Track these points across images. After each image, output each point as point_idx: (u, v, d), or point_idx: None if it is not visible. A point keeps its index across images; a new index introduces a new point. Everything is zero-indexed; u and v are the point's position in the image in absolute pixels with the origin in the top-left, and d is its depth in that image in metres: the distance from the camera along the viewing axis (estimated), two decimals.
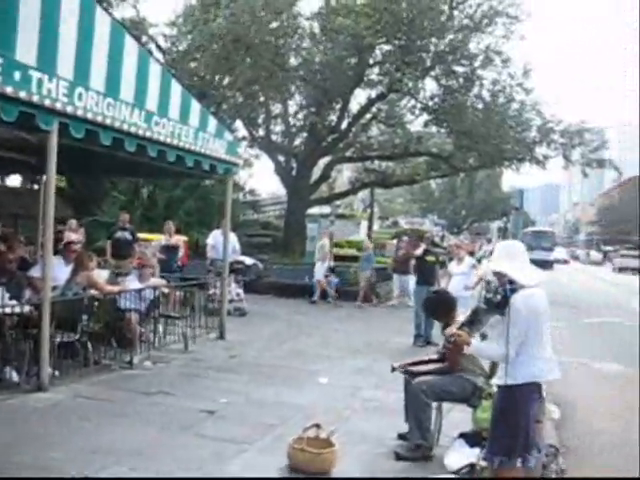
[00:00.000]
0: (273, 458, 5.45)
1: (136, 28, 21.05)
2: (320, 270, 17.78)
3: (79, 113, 6.91)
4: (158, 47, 23.00)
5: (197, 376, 8.45)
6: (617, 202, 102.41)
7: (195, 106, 9.46)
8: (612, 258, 63.05)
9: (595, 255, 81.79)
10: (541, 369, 4.19)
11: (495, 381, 4.47)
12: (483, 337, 4.88)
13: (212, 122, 9.94)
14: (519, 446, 4.11)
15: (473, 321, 4.54)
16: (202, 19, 19.56)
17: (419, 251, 12.82)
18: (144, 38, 21.90)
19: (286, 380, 8.47)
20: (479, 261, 16.48)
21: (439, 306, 6.21)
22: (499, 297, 4.23)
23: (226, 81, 21.38)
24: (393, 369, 6.29)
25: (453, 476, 5.18)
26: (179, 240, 14.97)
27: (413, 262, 17.18)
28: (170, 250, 14.38)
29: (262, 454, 5.65)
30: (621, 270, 54.85)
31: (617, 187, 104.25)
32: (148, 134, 8.19)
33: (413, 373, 6.04)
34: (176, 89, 9.00)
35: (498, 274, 4.34)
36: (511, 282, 4.23)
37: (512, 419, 4.14)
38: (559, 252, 67.24)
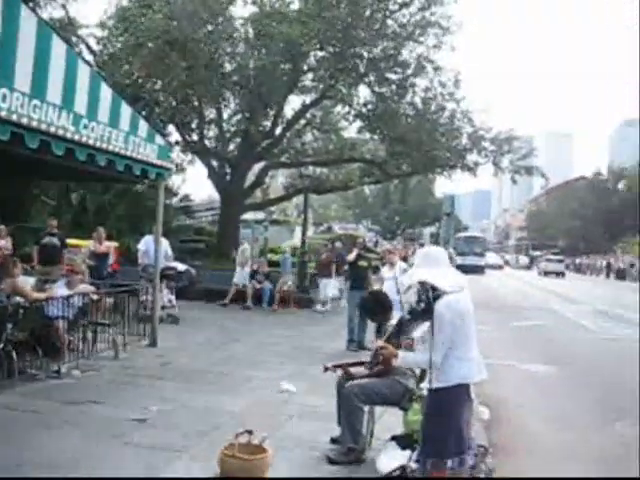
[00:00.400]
0: (204, 465, 5.38)
1: (65, 29, 20.54)
2: (240, 275, 17.65)
3: (3, 114, 6.68)
4: (89, 48, 22.52)
5: (128, 384, 8.29)
6: (545, 208, 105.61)
7: (126, 109, 9.28)
8: (538, 262, 65.52)
9: (523, 260, 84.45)
10: (469, 370, 4.26)
11: (424, 385, 4.52)
12: (407, 348, 4.95)
13: (143, 126, 9.77)
14: (450, 448, 4.17)
15: (399, 332, 4.59)
16: (137, 20, 19.27)
17: (352, 256, 12.91)
18: (74, 39, 21.40)
19: (219, 386, 8.40)
20: (412, 266, 16.69)
21: (375, 306, 6.23)
22: (423, 305, 4.25)
23: (159, 85, 21.08)
24: (326, 369, 6.30)
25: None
26: (109, 247, 14.67)
27: (334, 267, 17.43)
28: (100, 257, 14.10)
29: (194, 462, 5.57)
30: (546, 274, 57.71)
31: (544, 194, 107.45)
32: (76, 137, 7.99)
33: (347, 373, 6.07)
34: (106, 92, 8.80)
35: (422, 282, 4.34)
36: (434, 289, 4.26)
37: (443, 422, 4.20)
38: (492, 257, 69.51)
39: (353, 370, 6.15)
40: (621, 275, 55.46)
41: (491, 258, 69.05)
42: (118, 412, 6.88)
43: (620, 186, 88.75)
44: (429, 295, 4.23)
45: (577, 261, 76.44)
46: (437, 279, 4.25)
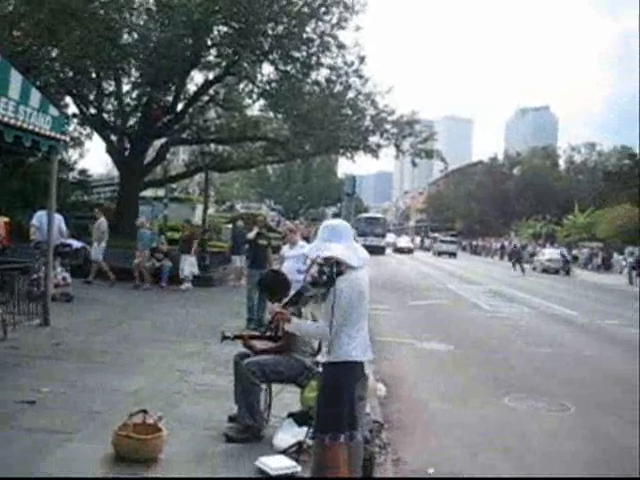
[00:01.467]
0: (99, 446, 5.23)
1: None
2: (97, 251, 16.83)
3: None
4: None
5: (17, 365, 7.94)
6: (444, 191, 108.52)
7: (15, 77, 8.78)
8: (433, 244, 68.63)
9: (418, 241, 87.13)
10: (357, 349, 4.28)
11: (319, 359, 4.54)
12: (300, 315, 4.96)
13: (35, 95, 9.30)
14: (344, 422, 4.21)
15: (297, 301, 4.58)
16: None
17: (252, 234, 12.85)
18: None
19: (114, 366, 8.18)
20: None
21: (274, 284, 6.20)
22: (325, 277, 4.25)
23: (54, 54, 20.16)
24: (224, 337, 6.24)
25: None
26: None
27: (195, 243, 17.10)
28: None
29: (87, 443, 5.41)
30: (440, 254, 61.41)
31: (444, 177, 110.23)
32: None
33: (250, 346, 6.05)
34: None
35: (327, 257, 4.32)
36: (338, 263, 4.25)
37: (336, 396, 4.23)
38: (402, 240, 70.54)
39: (253, 342, 6.14)
40: (515, 257, 57.64)
41: (402, 241, 70.45)
42: (5, 394, 6.58)
43: (515, 171, 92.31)
44: (333, 269, 4.21)
45: (473, 243, 79.13)
46: (344, 254, 4.23)
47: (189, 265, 17.46)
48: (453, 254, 61.16)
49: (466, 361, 11.08)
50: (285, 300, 4.66)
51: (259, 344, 6.12)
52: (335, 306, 4.15)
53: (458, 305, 19.46)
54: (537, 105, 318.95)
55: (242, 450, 5.45)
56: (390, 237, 67.71)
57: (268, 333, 6.22)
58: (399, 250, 63.90)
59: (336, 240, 4.29)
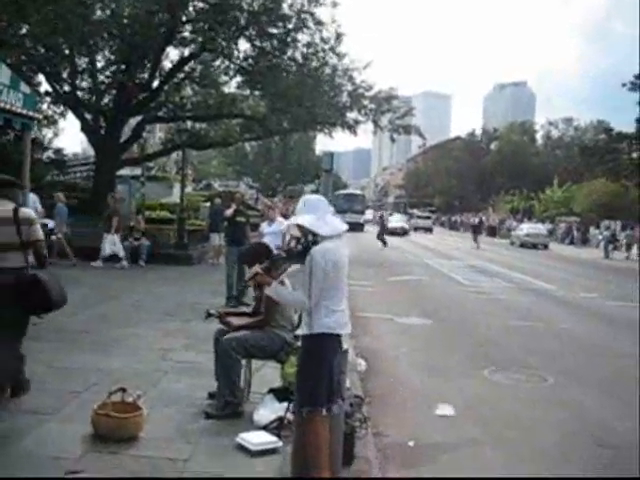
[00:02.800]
0: (78, 426, 5.21)
1: None
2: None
3: None
4: None
5: None
6: (422, 167, 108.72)
7: None
8: (409, 220, 67.10)
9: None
10: (336, 322, 4.29)
11: (299, 331, 4.54)
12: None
13: (6, 72, 9.14)
14: (323, 394, 4.21)
15: (272, 268, 4.57)
16: None
17: (229, 212, 12.78)
18: None
19: (93, 345, 8.13)
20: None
21: (255, 254, 6.12)
22: (300, 247, 4.27)
23: (25, 30, 19.73)
24: (208, 314, 6.22)
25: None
26: None
27: (115, 221, 16.70)
28: None
29: (65, 423, 5.38)
30: (416, 229, 62.28)
31: (422, 153, 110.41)
32: None
33: (227, 322, 6.04)
34: None
35: (300, 227, 4.38)
36: (313, 234, 4.29)
37: (315, 368, 4.23)
38: (396, 220, 66.03)
39: (232, 319, 6.12)
40: (492, 232, 58.23)
41: (394, 220, 58.42)
42: None
43: (493, 147, 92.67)
44: (308, 239, 4.28)
45: (452, 218, 79.48)
46: (315, 224, 4.27)
47: (109, 243, 16.99)
48: (429, 229, 63.12)
49: (445, 335, 11.16)
50: (262, 265, 4.63)
51: (236, 320, 6.10)
52: (310, 275, 4.16)
53: (437, 280, 19.56)
54: (515, 80, 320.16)
55: (222, 427, 5.44)
56: (394, 219, 61.61)
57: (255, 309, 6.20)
58: (392, 232, 48.13)
59: (309, 212, 4.34)
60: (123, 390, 5.28)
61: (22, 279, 5.52)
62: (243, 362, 5.87)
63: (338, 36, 22.86)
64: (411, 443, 5.79)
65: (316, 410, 4.19)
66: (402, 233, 52.92)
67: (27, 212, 5.84)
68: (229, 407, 5.67)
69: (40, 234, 5.80)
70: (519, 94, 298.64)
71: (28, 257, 5.69)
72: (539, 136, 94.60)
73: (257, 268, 4.58)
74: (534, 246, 42.05)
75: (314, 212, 4.33)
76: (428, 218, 68.10)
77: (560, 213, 59.73)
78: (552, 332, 11.81)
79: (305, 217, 4.32)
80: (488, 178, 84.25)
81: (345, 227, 4.49)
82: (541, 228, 46.94)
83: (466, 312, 13.75)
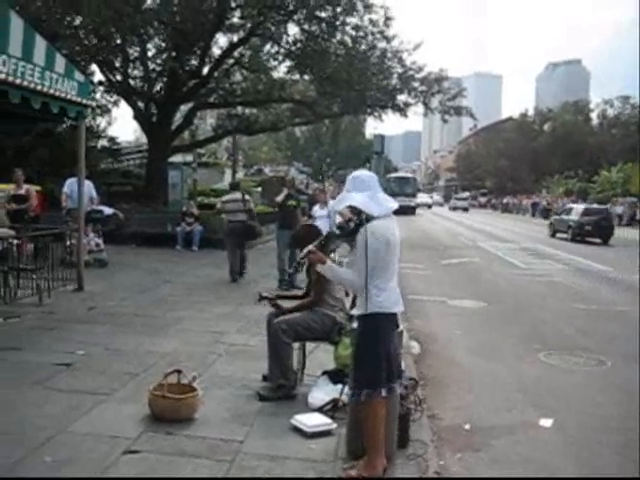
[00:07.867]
0: (134, 407, 5.28)
1: None
2: None
3: None
4: None
5: (52, 329, 8.05)
6: (473, 149, 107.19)
7: (40, 43, 8.72)
8: (448, 200, 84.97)
9: (437, 198, 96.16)
10: (388, 301, 4.22)
11: (354, 311, 4.48)
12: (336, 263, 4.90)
13: (60, 61, 9.25)
14: (382, 376, 4.16)
15: (324, 246, 4.51)
16: None
17: (281, 197, 12.78)
18: None
19: (148, 328, 8.24)
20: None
21: (307, 237, 6.08)
22: (352, 226, 4.20)
23: (78, 21, 20.02)
24: (261, 297, 6.23)
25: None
26: (29, 190, 14.06)
27: None
28: (20, 200, 13.54)
29: (122, 404, 5.45)
30: (454, 209, 73.69)
31: (473, 135, 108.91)
32: None
33: (277, 305, 6.06)
34: (17, 23, 8.24)
35: (350, 206, 4.27)
36: (363, 212, 4.19)
37: (372, 348, 4.18)
38: (421, 197, 74.27)
39: (283, 302, 6.13)
40: (545, 214, 57.02)
41: (421, 198, 75.14)
42: (42, 357, 6.67)
43: (546, 127, 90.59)
44: (361, 217, 4.17)
45: (504, 201, 78.16)
46: (362, 203, 4.17)
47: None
48: (465, 209, 73.47)
49: (500, 318, 10.98)
50: (315, 243, 4.57)
51: (287, 303, 6.10)
52: (361, 256, 4.09)
53: (490, 263, 19.28)
54: (568, 59, 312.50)
55: (277, 408, 5.45)
56: (420, 196, 70.97)
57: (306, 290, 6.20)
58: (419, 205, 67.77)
59: (358, 190, 4.24)
60: (179, 372, 5.32)
61: None
62: (295, 345, 5.87)
63: (387, 19, 22.64)
64: (467, 426, 5.71)
65: (376, 392, 4.15)
66: (428, 207, 74.30)
67: None
68: (282, 390, 5.67)
69: None
70: (573, 73, 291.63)
71: None
72: (594, 115, 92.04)
73: (311, 247, 4.52)
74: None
75: (365, 190, 4.24)
76: (465, 199, 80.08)
77: (616, 194, 58.04)
78: (609, 315, 11.52)
79: (356, 197, 4.21)
80: (541, 159, 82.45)
81: (396, 205, 4.41)
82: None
83: (520, 294, 13.51)
